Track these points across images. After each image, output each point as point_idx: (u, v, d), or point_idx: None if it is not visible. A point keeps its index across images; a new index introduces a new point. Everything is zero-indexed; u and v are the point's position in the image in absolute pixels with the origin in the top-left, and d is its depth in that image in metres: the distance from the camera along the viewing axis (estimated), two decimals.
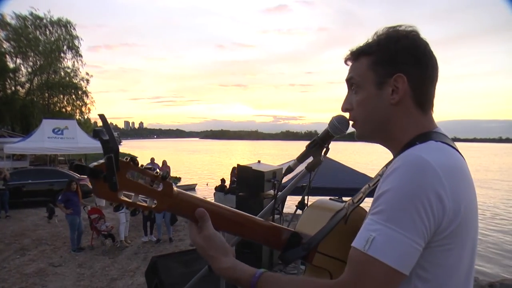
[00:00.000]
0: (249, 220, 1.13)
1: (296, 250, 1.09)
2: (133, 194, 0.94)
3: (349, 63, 1.10)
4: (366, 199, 1.09)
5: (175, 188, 0.99)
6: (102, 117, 0.89)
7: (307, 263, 1.11)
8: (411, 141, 0.98)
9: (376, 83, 1.02)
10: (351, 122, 1.13)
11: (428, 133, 1.00)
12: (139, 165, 0.93)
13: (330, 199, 1.24)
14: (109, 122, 0.89)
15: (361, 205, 1.10)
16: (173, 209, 0.99)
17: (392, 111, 1.02)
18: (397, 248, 0.83)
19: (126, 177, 0.91)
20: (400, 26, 1.03)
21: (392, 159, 1.01)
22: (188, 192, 1.03)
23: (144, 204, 0.96)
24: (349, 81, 1.09)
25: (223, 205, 1.10)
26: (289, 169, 1.43)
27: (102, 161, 0.87)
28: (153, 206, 0.96)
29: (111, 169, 0.85)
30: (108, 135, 0.85)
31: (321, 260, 1.08)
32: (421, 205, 0.83)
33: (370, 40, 1.05)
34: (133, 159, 0.92)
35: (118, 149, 0.87)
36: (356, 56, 1.07)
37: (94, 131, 0.86)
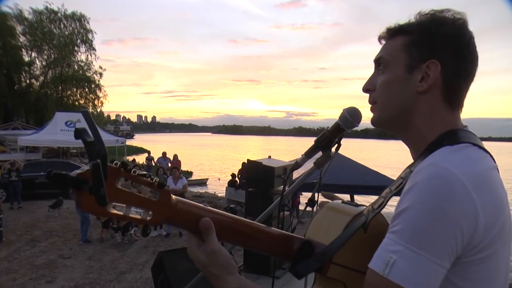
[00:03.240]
0: (254, 229, 1.01)
1: (309, 262, 0.97)
2: (124, 205, 0.81)
3: (383, 41, 1.00)
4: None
5: (173, 197, 0.86)
6: (85, 113, 0.76)
7: (320, 275, 0.99)
8: (437, 139, 0.88)
9: (407, 66, 0.92)
10: (369, 106, 1.02)
11: (456, 131, 0.90)
12: (132, 171, 0.80)
13: (343, 202, 1.13)
14: (93, 120, 0.76)
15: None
16: (171, 220, 0.87)
17: (416, 100, 0.92)
18: (421, 273, 0.73)
19: (116, 185, 0.78)
20: (448, 10, 0.92)
21: (415, 161, 0.90)
22: (187, 200, 0.91)
23: (138, 216, 0.83)
24: (377, 61, 0.99)
25: (225, 213, 0.98)
26: (297, 165, 1.34)
27: (86, 167, 0.73)
28: (148, 218, 0.83)
29: (98, 179, 0.71)
30: (93, 135, 0.73)
31: (336, 272, 0.96)
32: (447, 225, 0.74)
33: (411, 19, 0.95)
34: (124, 164, 0.79)
35: (106, 152, 0.73)
36: (393, 33, 0.97)
37: (76, 131, 0.72)
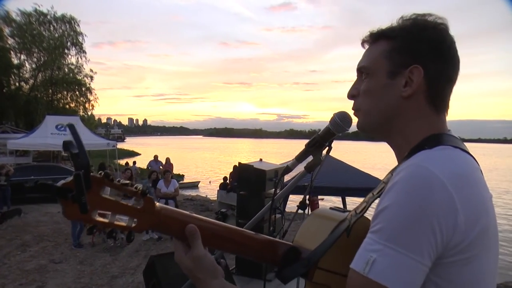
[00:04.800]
0: (241, 235, 1.03)
1: (294, 267, 0.99)
2: (109, 213, 0.84)
3: (366, 45, 1.01)
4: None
5: (157, 204, 0.90)
6: (71, 127, 0.80)
7: (307, 280, 1.01)
8: (420, 143, 0.89)
9: (389, 72, 0.93)
10: (354, 112, 1.03)
11: (438, 135, 0.91)
12: (116, 180, 0.84)
13: (330, 208, 1.15)
14: (79, 133, 0.79)
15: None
16: (156, 227, 0.90)
17: (401, 105, 0.93)
18: (401, 270, 0.74)
19: (100, 194, 0.82)
20: (430, 15, 0.94)
21: (398, 165, 0.91)
22: (171, 208, 0.95)
23: (123, 224, 0.86)
24: (359, 70, 1.00)
25: (212, 220, 1.01)
26: (288, 169, 1.36)
27: (70, 178, 0.77)
28: (133, 225, 0.86)
29: (79, 188, 0.75)
30: (78, 148, 0.76)
31: (322, 276, 0.97)
32: (425, 222, 0.74)
33: (394, 24, 0.96)
34: (108, 174, 0.83)
35: (88, 164, 0.77)
36: (375, 38, 0.98)
37: (63, 143, 0.76)
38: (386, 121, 0.96)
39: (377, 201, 0.89)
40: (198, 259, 0.91)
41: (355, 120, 1.18)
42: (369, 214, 0.93)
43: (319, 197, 11.12)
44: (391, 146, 1.01)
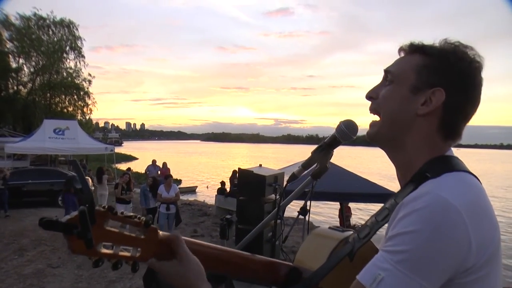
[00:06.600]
0: (245, 259, 1.06)
1: None
2: (114, 244, 0.86)
3: (402, 54, 1.02)
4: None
5: (160, 233, 0.91)
6: (73, 163, 0.83)
7: None
8: (423, 168, 0.92)
9: (413, 86, 0.95)
10: (376, 118, 1.01)
11: (442, 158, 0.93)
12: (119, 213, 0.86)
13: (329, 228, 1.18)
14: (81, 168, 0.82)
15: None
16: (160, 256, 0.90)
17: (413, 121, 0.95)
18: None
19: (105, 227, 0.83)
20: (472, 48, 0.94)
21: (401, 190, 0.93)
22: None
23: (127, 254, 0.87)
24: (387, 72, 1.01)
25: (215, 245, 1.03)
26: (293, 176, 1.38)
27: (76, 213, 0.78)
28: (138, 255, 0.87)
29: (84, 224, 0.76)
30: (81, 183, 0.79)
31: None
32: (438, 252, 0.77)
33: (435, 43, 0.97)
34: (111, 207, 0.84)
35: (92, 199, 0.79)
36: (413, 50, 0.99)
37: (67, 180, 0.79)
38: (396, 133, 0.97)
39: (384, 226, 0.91)
40: (187, 260, 0.89)
41: (360, 128, 1.19)
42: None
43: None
44: (393, 161, 1.02)
